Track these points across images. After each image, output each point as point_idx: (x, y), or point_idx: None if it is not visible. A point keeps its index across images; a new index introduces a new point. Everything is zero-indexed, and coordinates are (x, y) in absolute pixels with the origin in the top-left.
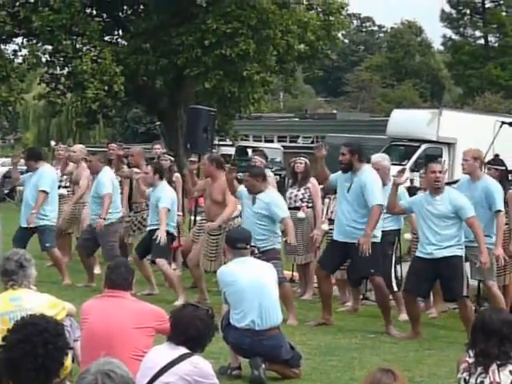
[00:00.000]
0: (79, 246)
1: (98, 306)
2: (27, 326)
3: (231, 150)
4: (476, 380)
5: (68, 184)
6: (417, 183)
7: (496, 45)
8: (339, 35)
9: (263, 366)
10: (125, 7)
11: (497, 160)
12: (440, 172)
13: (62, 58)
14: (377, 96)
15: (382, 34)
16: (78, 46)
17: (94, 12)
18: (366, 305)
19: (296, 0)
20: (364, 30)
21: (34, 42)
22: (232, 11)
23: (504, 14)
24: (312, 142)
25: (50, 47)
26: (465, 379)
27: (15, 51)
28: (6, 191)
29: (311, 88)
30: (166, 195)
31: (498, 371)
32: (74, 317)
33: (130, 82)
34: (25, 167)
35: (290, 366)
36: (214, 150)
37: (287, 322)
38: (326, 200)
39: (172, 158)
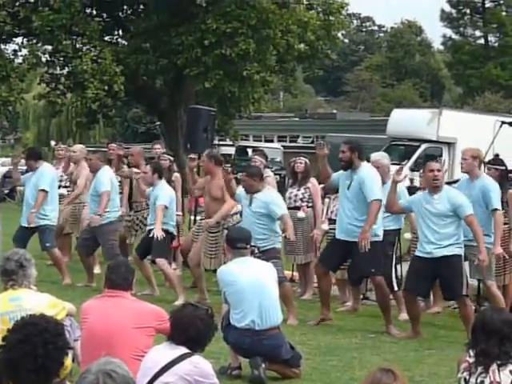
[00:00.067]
0: (79, 245)
1: (98, 305)
2: (27, 326)
3: (231, 150)
4: (476, 380)
5: (68, 184)
6: (417, 183)
7: (496, 44)
8: (339, 35)
9: (263, 365)
10: (125, 7)
11: (497, 160)
12: (438, 171)
13: (62, 58)
14: (377, 96)
15: (382, 34)
16: (77, 45)
17: (94, 12)
18: (366, 304)
19: (296, 0)
20: (364, 29)
21: (34, 41)
22: (232, 11)
23: (504, 13)
24: (312, 142)
25: (50, 47)
26: (465, 379)
27: (15, 51)
28: (6, 191)
29: (311, 88)
30: (164, 193)
31: (499, 371)
32: (74, 317)
33: (130, 81)
34: (25, 167)
35: (290, 365)
36: (214, 150)
37: (287, 322)
38: (326, 200)
39: (171, 158)
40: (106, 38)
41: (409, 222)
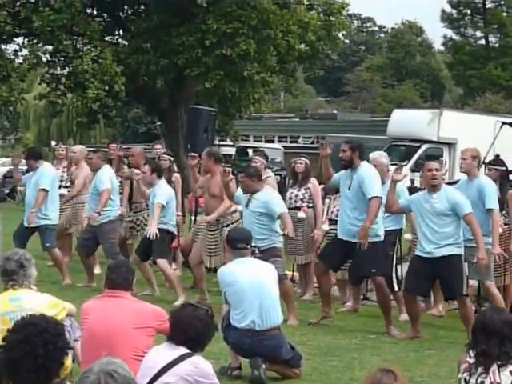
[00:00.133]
0: (79, 245)
1: (99, 306)
2: (27, 326)
3: (232, 151)
4: (476, 380)
5: (68, 184)
6: (417, 183)
7: (497, 45)
8: (340, 35)
9: (263, 366)
10: (125, 7)
11: (497, 160)
12: (437, 170)
13: (62, 58)
14: (377, 96)
15: (382, 35)
16: (78, 46)
17: (95, 12)
18: (366, 305)
19: (297, 0)
20: (365, 30)
21: (35, 41)
22: (232, 11)
23: (505, 14)
24: (312, 143)
25: (50, 47)
26: (465, 379)
27: (16, 51)
28: (7, 191)
29: (312, 88)
30: (162, 192)
31: (499, 371)
32: (74, 317)
33: (130, 82)
34: (26, 167)
35: (290, 366)
36: (213, 148)
37: (288, 322)
38: (327, 200)
39: (171, 158)
40: (107, 38)
41: (409, 222)
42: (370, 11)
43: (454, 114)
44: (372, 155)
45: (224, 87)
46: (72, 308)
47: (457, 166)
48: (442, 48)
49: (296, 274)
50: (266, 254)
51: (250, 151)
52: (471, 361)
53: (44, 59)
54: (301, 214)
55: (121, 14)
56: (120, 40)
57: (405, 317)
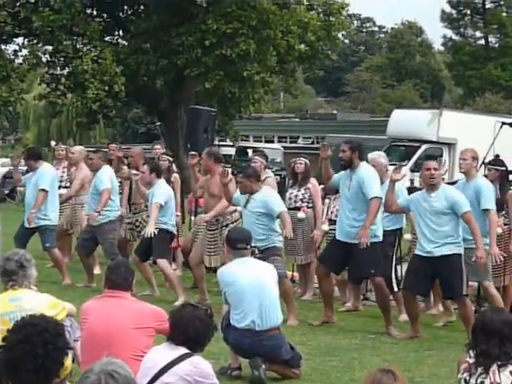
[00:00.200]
0: (79, 246)
1: (98, 306)
2: (27, 327)
3: (231, 151)
4: (476, 380)
5: (68, 184)
6: (417, 184)
7: (496, 45)
8: (339, 35)
9: (263, 366)
10: (125, 7)
11: (497, 160)
12: (435, 169)
13: (62, 59)
14: (377, 96)
15: (382, 35)
16: (78, 46)
17: (95, 12)
18: (366, 305)
19: (296, 0)
20: (364, 30)
21: (35, 42)
22: (232, 11)
23: (504, 14)
24: (312, 143)
25: (50, 47)
26: (465, 379)
27: (16, 51)
28: (7, 191)
29: (311, 88)
30: (160, 192)
31: (499, 372)
32: (74, 317)
33: (130, 82)
34: (25, 168)
35: (290, 366)
36: (213, 148)
37: (287, 323)
38: (327, 200)
39: (170, 159)
40: (107, 39)
41: (409, 222)
42: (369, 11)
43: (453, 114)
44: (370, 155)
45: (224, 87)
46: (72, 308)
47: (456, 166)
48: (441, 48)
49: (296, 274)
50: (266, 253)
51: (250, 151)
52: (471, 361)
53: (44, 59)
54: (300, 214)
55: (120, 14)
56: (120, 40)
57: (404, 317)
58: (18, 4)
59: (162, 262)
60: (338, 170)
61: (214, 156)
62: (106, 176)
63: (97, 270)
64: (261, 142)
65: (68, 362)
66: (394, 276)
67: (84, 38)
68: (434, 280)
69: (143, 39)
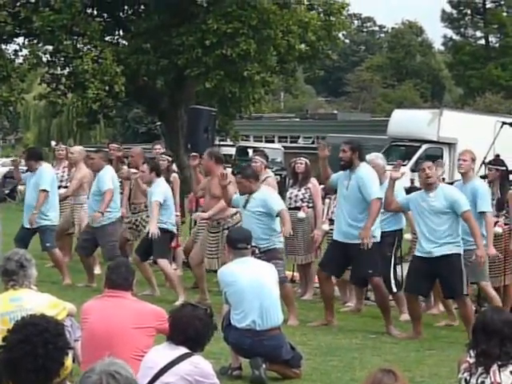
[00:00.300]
0: (78, 247)
1: (99, 306)
2: (27, 326)
3: (232, 151)
4: (477, 380)
5: (68, 184)
6: (417, 183)
7: (497, 45)
8: (340, 35)
9: (264, 366)
10: (125, 7)
11: (497, 160)
12: (429, 168)
13: (62, 58)
14: (377, 96)
15: (382, 35)
16: (78, 46)
17: (95, 12)
18: (367, 305)
19: (297, 0)
20: (365, 30)
21: (35, 42)
22: (233, 11)
23: (505, 14)
24: (313, 143)
25: (50, 47)
26: (466, 379)
27: (16, 51)
28: (7, 191)
29: (312, 88)
30: (158, 190)
31: (499, 371)
32: (74, 317)
33: (130, 82)
34: (25, 168)
35: (290, 366)
36: (215, 149)
37: (288, 323)
38: (327, 200)
39: (170, 158)
40: (107, 39)
41: (409, 222)
42: (370, 11)
43: (454, 113)
44: (368, 157)
45: (224, 87)
46: (72, 308)
47: (457, 166)
48: (442, 48)
49: (296, 274)
50: (267, 256)
51: (250, 151)
52: (471, 361)
53: (44, 59)
54: (301, 214)
55: (121, 14)
56: (120, 40)
57: (405, 317)
58: (18, 4)
59: (163, 262)
60: (337, 170)
61: (214, 156)
62: (108, 176)
63: (97, 270)
64: (261, 141)
65: (68, 361)
66: (392, 277)
67: (84, 37)
68: (434, 280)
69: (143, 39)
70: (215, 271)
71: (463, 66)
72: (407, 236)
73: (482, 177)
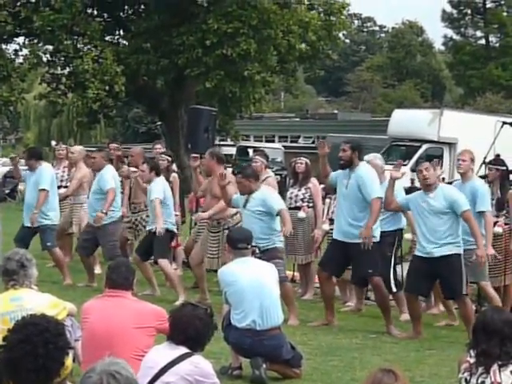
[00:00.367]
0: (79, 246)
1: (99, 305)
2: (28, 326)
3: (232, 150)
4: (477, 380)
5: (69, 184)
6: (417, 183)
7: (497, 45)
8: (340, 35)
9: (264, 365)
10: (126, 7)
11: (498, 160)
12: (426, 169)
13: (62, 58)
14: (378, 96)
15: (383, 34)
16: (78, 45)
17: (95, 12)
18: (367, 305)
19: (297, 0)
20: (365, 30)
21: (35, 41)
22: (233, 11)
23: (505, 14)
24: (313, 142)
25: (50, 47)
26: (466, 379)
27: (16, 51)
28: (7, 191)
29: (312, 88)
30: (157, 188)
31: (500, 371)
32: (74, 317)
33: (130, 81)
34: (25, 167)
35: (290, 365)
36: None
37: (288, 322)
38: (327, 200)
39: (169, 158)
40: (107, 38)
41: (409, 222)
42: (370, 11)
43: (454, 113)
44: (367, 157)
45: (224, 87)
46: (72, 308)
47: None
48: (442, 48)
49: (296, 273)
50: (267, 255)
51: (251, 151)
52: (472, 360)
53: (44, 59)
54: (301, 214)
55: (121, 13)
56: (120, 40)
57: (405, 317)
58: (18, 4)
59: (163, 262)
60: (337, 170)
61: (216, 156)
62: (110, 175)
63: (97, 270)
64: (261, 141)
65: (69, 361)
66: (392, 277)
67: (84, 37)
68: (434, 280)
69: (144, 39)
70: (215, 271)
71: (463, 66)
72: (408, 236)
73: (481, 177)
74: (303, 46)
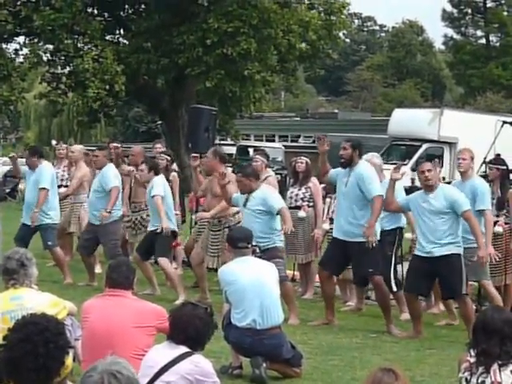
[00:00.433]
0: (80, 246)
1: (99, 305)
2: (28, 325)
3: (232, 150)
4: (477, 380)
5: (69, 184)
6: (417, 183)
7: (497, 44)
8: (340, 34)
9: (264, 365)
10: (126, 6)
11: (498, 159)
12: (429, 171)
13: (63, 57)
14: (378, 95)
15: (383, 34)
16: (79, 45)
17: (96, 11)
18: (367, 304)
19: None
20: (365, 29)
21: (36, 41)
22: (233, 10)
23: (505, 13)
24: (313, 142)
25: (51, 46)
26: (466, 379)
27: (16, 50)
28: (8, 190)
29: (312, 87)
30: (158, 186)
31: (500, 371)
32: (75, 316)
33: (131, 81)
34: (25, 166)
35: (291, 365)
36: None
37: (288, 321)
38: (328, 199)
39: (168, 158)
40: (108, 38)
41: (409, 221)
42: (370, 10)
43: (454, 113)
44: (365, 157)
45: (225, 86)
46: (73, 307)
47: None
48: (442, 47)
49: (297, 273)
50: (267, 255)
51: (251, 150)
52: (472, 360)
53: (45, 58)
54: (301, 213)
55: (121, 13)
56: (121, 39)
57: (405, 316)
58: (18, 3)
59: (163, 261)
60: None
61: (219, 156)
62: (112, 174)
63: (98, 269)
64: (262, 140)
65: (69, 360)
66: (392, 276)
67: (85, 36)
68: (433, 280)
69: (144, 38)
70: (216, 270)
71: (464, 66)
72: (408, 235)
73: (482, 176)
74: (303, 45)
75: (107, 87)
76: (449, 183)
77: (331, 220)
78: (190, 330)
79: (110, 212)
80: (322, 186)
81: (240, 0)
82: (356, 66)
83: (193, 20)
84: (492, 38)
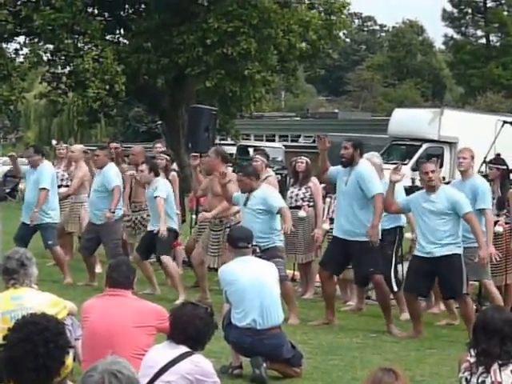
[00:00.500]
0: (82, 247)
1: (99, 304)
2: (28, 325)
3: (233, 149)
4: (477, 379)
5: (69, 183)
6: (418, 183)
7: (498, 44)
8: (341, 34)
9: (264, 365)
10: (126, 6)
11: (498, 159)
12: (432, 172)
13: (63, 57)
14: (378, 95)
15: (383, 34)
16: (79, 44)
17: (96, 11)
18: (367, 304)
19: None
20: (365, 29)
21: (36, 40)
22: (233, 10)
23: (506, 13)
24: (313, 142)
25: (51, 46)
26: (466, 378)
27: (17, 50)
28: (8, 190)
29: (313, 87)
30: (162, 188)
31: (500, 371)
32: (75, 315)
33: (131, 81)
34: (25, 165)
35: (291, 365)
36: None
37: (289, 321)
38: (328, 199)
39: (168, 158)
40: (108, 37)
41: (409, 221)
42: (370, 10)
43: (454, 113)
44: (365, 156)
45: (225, 86)
46: (73, 307)
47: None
48: (442, 47)
49: (297, 272)
50: (267, 254)
51: (251, 150)
52: (472, 360)
53: (45, 58)
54: (301, 213)
55: (122, 13)
56: (121, 39)
57: (406, 316)
58: (19, 3)
59: (166, 259)
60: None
61: (221, 155)
62: (114, 173)
63: (98, 269)
64: (262, 140)
65: (69, 360)
66: (393, 275)
67: (85, 36)
68: (433, 280)
69: (144, 38)
70: (216, 270)
71: (464, 65)
72: (408, 235)
73: (482, 176)
74: (303, 45)
75: (107, 87)
76: (448, 183)
77: (331, 220)
78: (190, 329)
79: (113, 212)
80: (323, 185)
81: (240, 0)
82: (356, 66)
83: (193, 20)
84: (492, 37)
